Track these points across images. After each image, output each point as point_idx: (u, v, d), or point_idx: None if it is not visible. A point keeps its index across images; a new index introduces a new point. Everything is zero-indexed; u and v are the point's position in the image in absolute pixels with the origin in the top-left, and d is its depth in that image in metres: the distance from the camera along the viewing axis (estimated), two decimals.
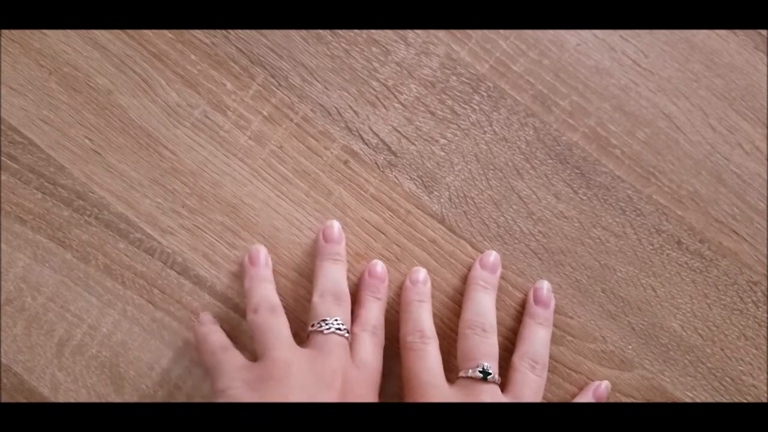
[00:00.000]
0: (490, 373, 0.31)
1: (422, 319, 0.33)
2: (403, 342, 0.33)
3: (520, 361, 0.33)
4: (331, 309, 0.32)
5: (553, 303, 0.34)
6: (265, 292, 0.33)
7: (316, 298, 0.33)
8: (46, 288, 0.36)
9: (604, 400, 0.34)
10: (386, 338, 0.34)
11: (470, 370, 0.31)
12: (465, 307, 0.34)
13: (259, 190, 0.36)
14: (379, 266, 0.35)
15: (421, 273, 0.35)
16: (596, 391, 0.34)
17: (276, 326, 0.32)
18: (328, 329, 0.31)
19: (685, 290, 0.35)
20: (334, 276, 0.33)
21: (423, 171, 0.35)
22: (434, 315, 0.35)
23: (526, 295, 0.35)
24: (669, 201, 0.35)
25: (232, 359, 0.31)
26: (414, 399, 0.31)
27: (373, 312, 0.34)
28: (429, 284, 0.35)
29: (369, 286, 0.34)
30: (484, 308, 0.33)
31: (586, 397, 0.34)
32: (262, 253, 0.35)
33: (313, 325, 0.32)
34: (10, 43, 0.36)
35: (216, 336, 0.33)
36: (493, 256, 0.35)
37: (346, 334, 0.32)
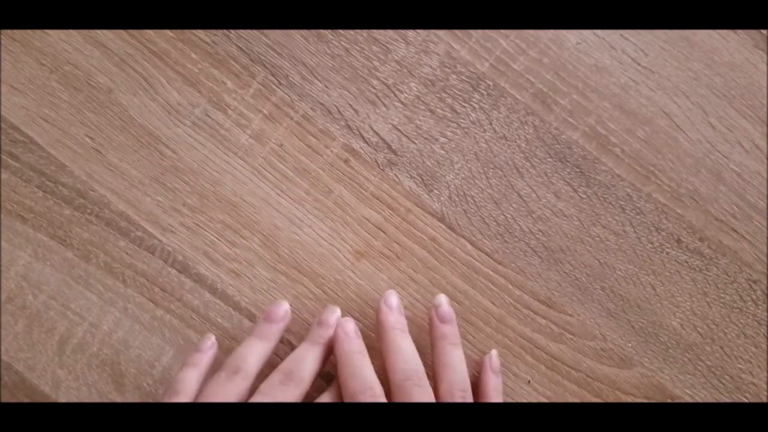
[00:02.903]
0: None
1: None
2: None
3: (451, 394, 0.31)
4: None
5: (454, 317, 0.33)
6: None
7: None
8: (47, 286, 0.36)
9: (498, 370, 0.34)
10: None
11: None
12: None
13: (259, 188, 0.36)
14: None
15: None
16: (491, 365, 0.34)
17: None
18: None
19: (685, 288, 0.35)
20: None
21: (423, 169, 0.36)
22: None
23: (430, 315, 0.33)
24: (669, 199, 0.35)
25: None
26: None
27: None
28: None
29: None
30: (410, 355, 0.32)
31: (486, 374, 0.34)
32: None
33: None
34: (11, 42, 0.36)
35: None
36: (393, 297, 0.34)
37: None
